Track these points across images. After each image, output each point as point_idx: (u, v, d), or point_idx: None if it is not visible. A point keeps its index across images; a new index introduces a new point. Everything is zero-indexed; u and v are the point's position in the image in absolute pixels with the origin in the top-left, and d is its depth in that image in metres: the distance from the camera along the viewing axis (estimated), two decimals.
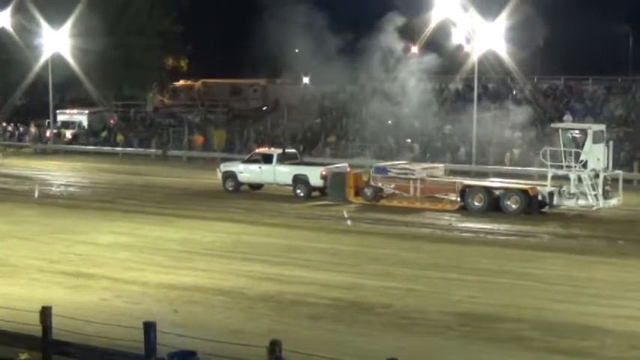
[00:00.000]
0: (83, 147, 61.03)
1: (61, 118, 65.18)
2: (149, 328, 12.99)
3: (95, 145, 61.59)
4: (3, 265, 24.26)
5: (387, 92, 51.63)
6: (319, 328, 18.25)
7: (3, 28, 63.12)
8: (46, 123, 64.13)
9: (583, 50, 61.72)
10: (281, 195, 37.89)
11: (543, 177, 34.92)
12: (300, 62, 56.11)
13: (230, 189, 39.54)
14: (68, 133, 63.78)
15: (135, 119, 69.75)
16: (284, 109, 65.73)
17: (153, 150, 58.01)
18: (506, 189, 34.19)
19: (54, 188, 42.22)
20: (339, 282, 22.27)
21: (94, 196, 39.24)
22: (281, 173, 38.36)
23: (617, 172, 34.54)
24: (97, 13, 60.67)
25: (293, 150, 42.33)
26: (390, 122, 53.28)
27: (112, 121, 66.16)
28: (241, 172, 39.49)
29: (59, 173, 49.01)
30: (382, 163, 38.61)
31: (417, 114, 50.04)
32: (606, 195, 33.11)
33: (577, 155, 33.02)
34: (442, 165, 39.74)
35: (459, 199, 34.38)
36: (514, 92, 57.70)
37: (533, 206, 33.25)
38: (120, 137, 61.43)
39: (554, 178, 33.81)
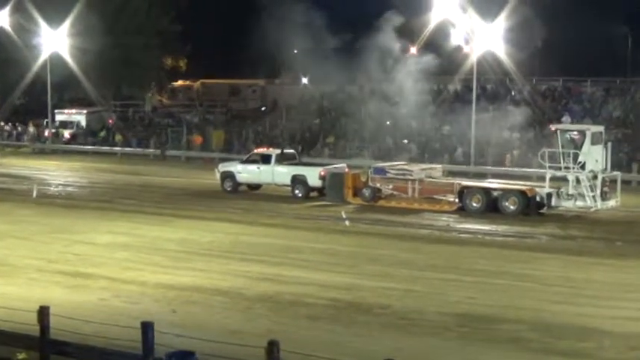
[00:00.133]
0: (81, 147, 61.00)
1: (59, 117, 65.15)
2: (147, 328, 12.97)
3: (93, 144, 61.56)
4: (1, 265, 24.24)
5: (385, 93, 51.68)
6: (317, 329, 18.24)
7: (1, 27, 63.08)
8: (45, 123, 64.06)
9: (582, 51, 61.74)
10: (279, 195, 37.88)
11: (542, 178, 34.92)
12: (299, 62, 56.18)
13: (228, 189, 39.53)
14: (66, 133, 63.77)
15: (133, 119, 69.78)
16: (283, 109, 65.76)
17: (151, 150, 57.98)
18: (504, 190, 34.19)
19: (52, 188, 42.20)
20: (338, 282, 22.27)
21: (93, 196, 39.22)
22: (279, 174, 38.35)
23: (615, 173, 34.56)
24: (96, 13, 60.68)
25: (291, 150, 42.30)
26: (388, 123, 53.31)
27: (110, 121, 66.16)
28: (240, 173, 39.47)
29: (57, 173, 48.99)
30: (381, 164, 38.62)
31: (416, 114, 50.07)
32: (604, 196, 33.13)
33: (575, 156, 33.04)
34: (440, 166, 39.71)
35: (457, 200, 34.39)
36: (513, 93, 57.80)
37: (532, 207, 33.25)
38: (118, 137, 61.43)
39: (553, 179, 33.83)
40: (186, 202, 37.09)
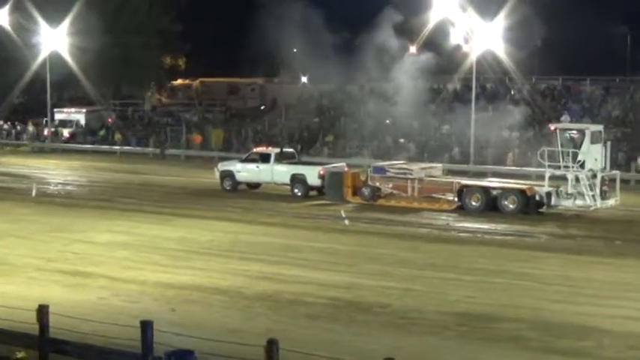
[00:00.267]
0: (81, 146, 60.98)
1: (58, 116, 65.16)
2: (146, 326, 12.95)
3: (93, 143, 61.55)
4: (0, 264, 24.22)
5: (384, 92, 51.70)
6: (317, 328, 18.23)
7: (1, 26, 63.01)
8: (44, 121, 64.06)
9: (581, 51, 61.73)
10: (279, 194, 37.87)
11: (541, 177, 34.95)
12: (298, 61, 56.20)
13: (228, 188, 39.51)
14: (66, 132, 63.77)
15: (133, 118, 69.78)
16: (282, 108, 65.76)
17: (151, 149, 57.97)
18: (503, 189, 34.18)
19: (51, 187, 42.19)
20: (337, 281, 22.26)
21: (92, 195, 39.22)
22: (279, 172, 38.33)
23: (614, 172, 34.60)
24: (95, 12, 60.63)
25: (291, 149, 42.27)
26: (388, 122, 53.31)
27: (109, 120, 66.15)
28: (239, 172, 39.45)
29: (57, 172, 48.97)
30: (380, 163, 38.61)
31: (415, 113, 50.07)
32: (604, 195, 33.14)
33: (575, 155, 33.04)
34: (440, 165, 39.69)
35: (456, 199, 34.39)
36: (512, 92, 57.81)
37: (531, 206, 33.24)
38: (118, 136, 61.44)
39: (552, 178, 33.83)
40: (186, 201, 37.08)
